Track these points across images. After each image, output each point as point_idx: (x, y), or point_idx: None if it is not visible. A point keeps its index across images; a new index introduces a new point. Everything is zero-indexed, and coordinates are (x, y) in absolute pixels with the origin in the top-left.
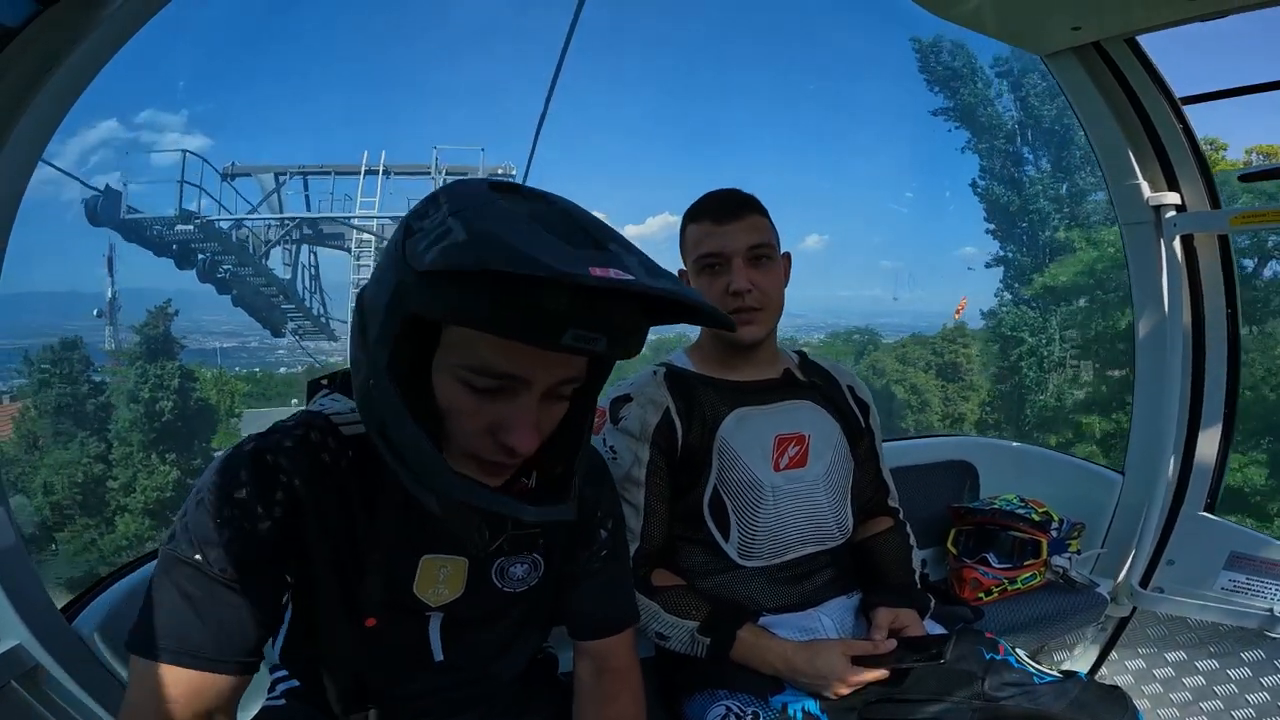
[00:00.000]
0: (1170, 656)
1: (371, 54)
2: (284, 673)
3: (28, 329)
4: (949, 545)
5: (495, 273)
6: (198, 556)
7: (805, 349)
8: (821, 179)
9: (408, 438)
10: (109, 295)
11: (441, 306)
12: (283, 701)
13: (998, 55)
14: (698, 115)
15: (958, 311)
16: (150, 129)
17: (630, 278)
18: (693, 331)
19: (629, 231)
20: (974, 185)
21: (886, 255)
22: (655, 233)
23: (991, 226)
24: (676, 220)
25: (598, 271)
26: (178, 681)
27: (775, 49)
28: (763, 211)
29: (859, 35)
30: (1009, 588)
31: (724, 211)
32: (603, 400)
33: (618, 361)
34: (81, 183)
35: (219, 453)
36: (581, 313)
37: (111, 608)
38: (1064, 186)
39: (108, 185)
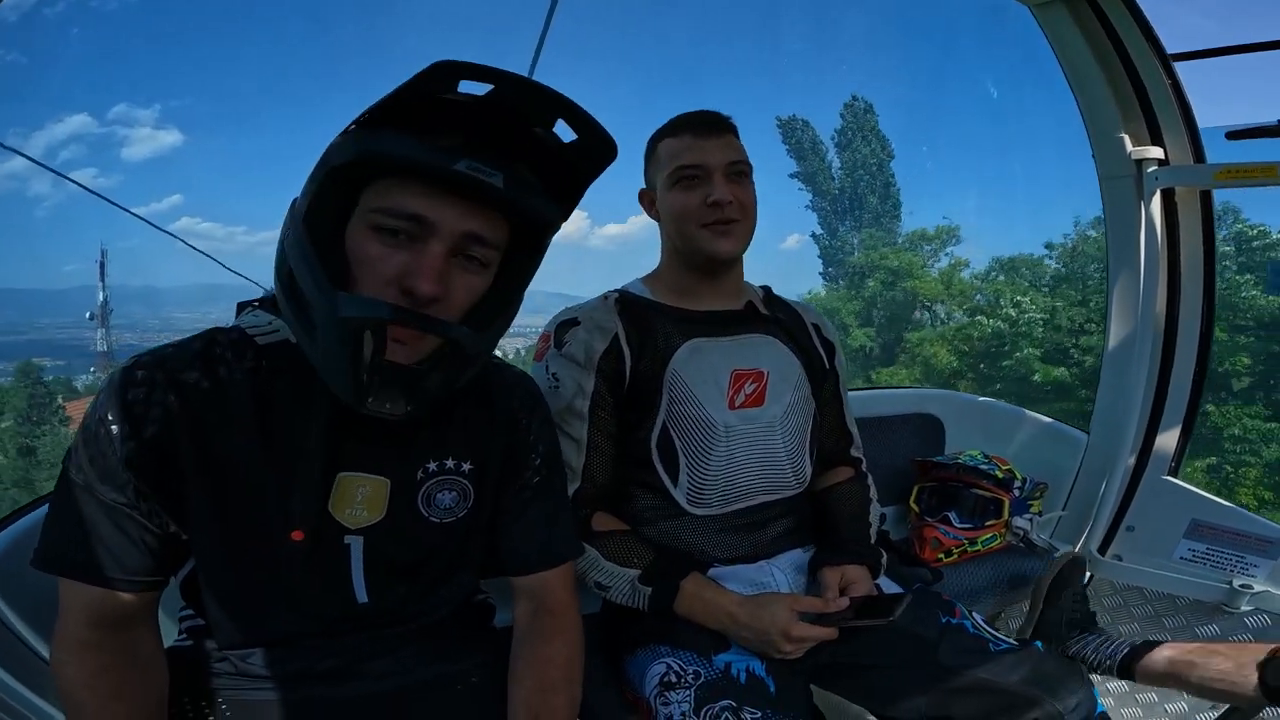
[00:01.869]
0: (1125, 629)
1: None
2: (189, 611)
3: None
4: (911, 503)
5: (401, 116)
6: (81, 478)
7: None
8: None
9: (306, 273)
10: (100, 299)
11: (355, 148)
12: (190, 642)
13: (837, 128)
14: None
15: None
16: (122, 124)
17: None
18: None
19: (610, 230)
20: (814, 235)
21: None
22: (638, 231)
23: (822, 268)
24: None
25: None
26: (79, 594)
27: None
28: (738, 134)
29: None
30: (969, 549)
31: (706, 127)
32: (549, 325)
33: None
34: (59, 174)
35: None
36: (477, 147)
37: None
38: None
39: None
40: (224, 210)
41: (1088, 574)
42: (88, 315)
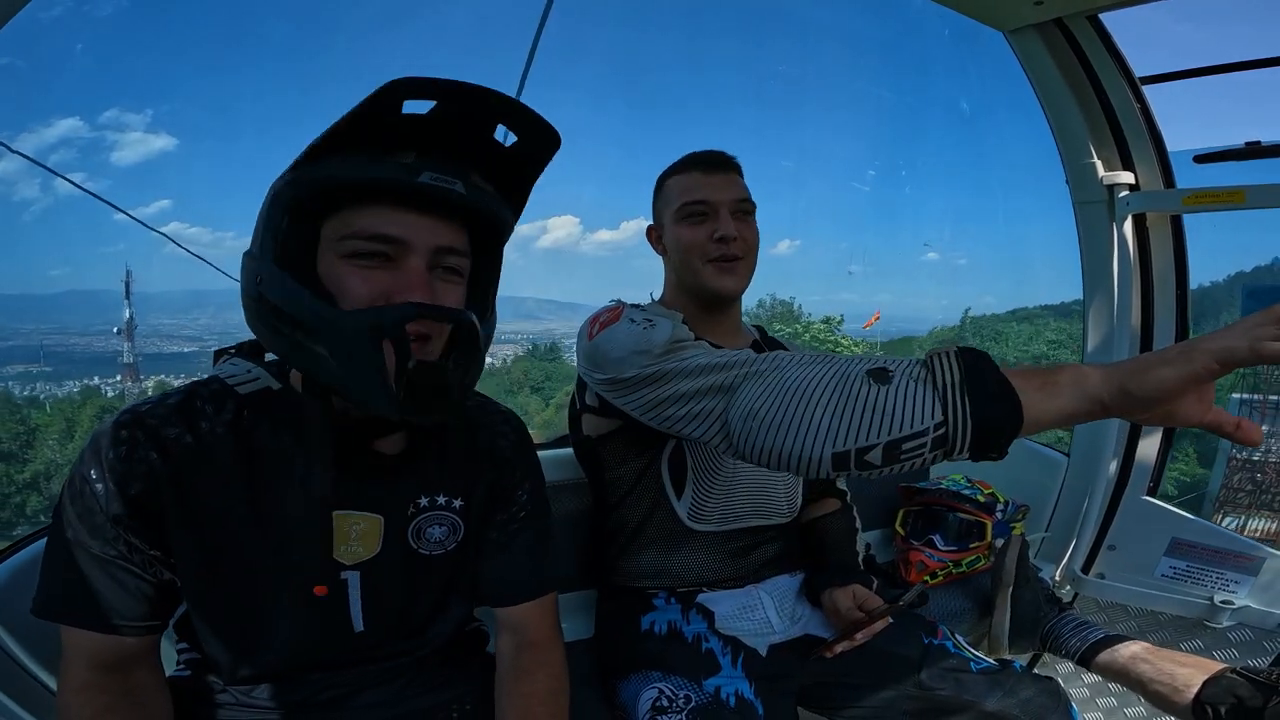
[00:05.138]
0: None
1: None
2: (185, 644)
3: None
4: (897, 526)
5: (348, 146)
6: (71, 533)
7: None
8: (787, 159)
9: (300, 305)
10: (126, 315)
11: (309, 179)
12: (188, 673)
13: None
14: (667, 121)
15: (869, 324)
16: (113, 128)
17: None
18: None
19: (601, 237)
20: None
21: (854, 260)
22: (630, 238)
23: None
24: (652, 223)
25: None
26: (80, 640)
27: (745, 44)
28: (742, 173)
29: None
30: (954, 570)
31: (713, 164)
32: (610, 302)
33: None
34: (63, 177)
35: None
36: (435, 160)
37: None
38: None
39: None
40: (212, 215)
41: (1073, 592)
42: (114, 330)
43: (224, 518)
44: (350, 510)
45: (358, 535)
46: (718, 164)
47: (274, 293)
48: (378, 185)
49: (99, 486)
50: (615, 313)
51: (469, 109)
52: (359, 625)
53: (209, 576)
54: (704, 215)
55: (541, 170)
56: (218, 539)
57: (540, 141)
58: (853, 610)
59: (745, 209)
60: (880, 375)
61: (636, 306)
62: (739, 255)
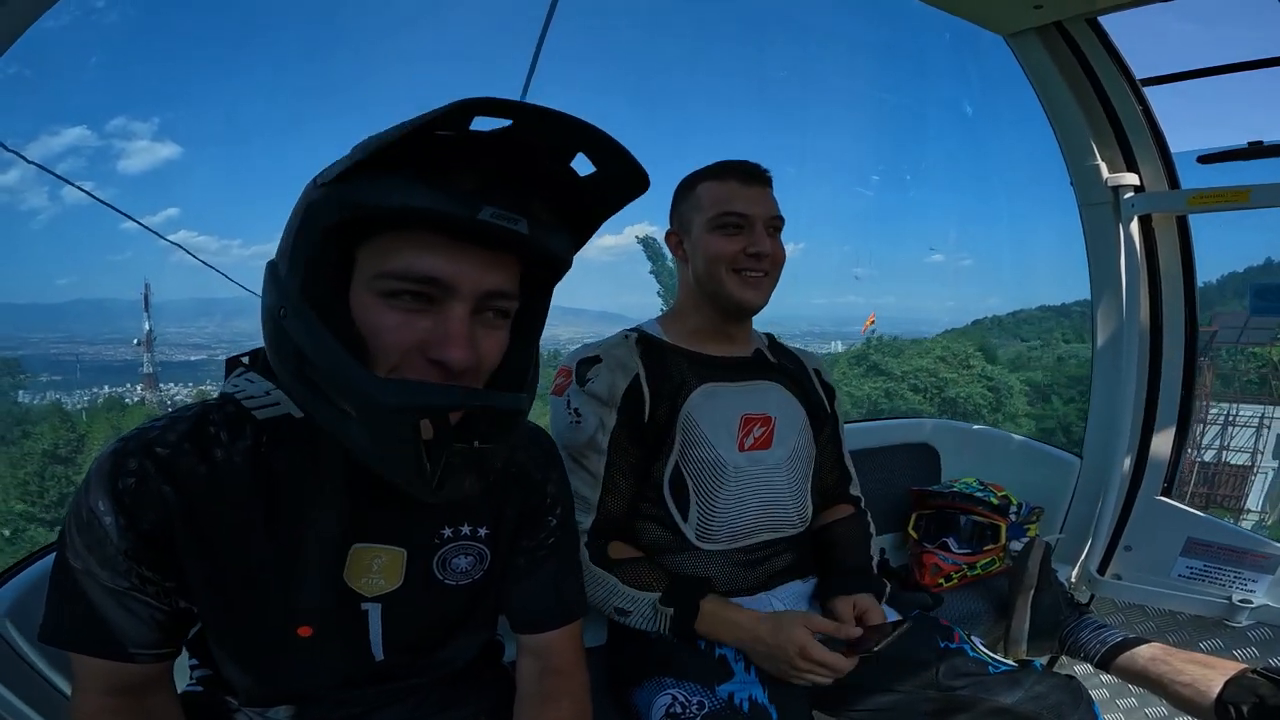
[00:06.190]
0: None
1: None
2: (197, 660)
3: None
4: (910, 529)
5: (408, 156)
6: (79, 563)
7: None
8: (790, 164)
9: (327, 357)
10: (146, 328)
11: (351, 201)
12: (201, 689)
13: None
14: (668, 122)
15: (864, 327)
16: (120, 136)
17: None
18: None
19: (606, 242)
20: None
21: (859, 263)
22: (632, 243)
23: None
24: (652, 230)
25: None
26: (92, 666)
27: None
28: (773, 187)
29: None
30: (969, 573)
31: (750, 176)
32: (568, 360)
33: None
34: (69, 182)
35: None
36: (498, 191)
37: (22, 593)
38: None
39: None
40: (220, 223)
41: (1089, 593)
42: (135, 342)
43: (240, 547)
44: (371, 543)
45: (379, 568)
46: (755, 176)
47: (299, 333)
48: (433, 219)
49: (108, 520)
50: (566, 379)
51: (544, 131)
52: (379, 655)
53: (224, 605)
54: (739, 227)
55: (621, 206)
56: (233, 568)
57: (625, 175)
58: (845, 627)
59: (776, 225)
60: (622, 613)
61: (588, 362)
62: (767, 271)
